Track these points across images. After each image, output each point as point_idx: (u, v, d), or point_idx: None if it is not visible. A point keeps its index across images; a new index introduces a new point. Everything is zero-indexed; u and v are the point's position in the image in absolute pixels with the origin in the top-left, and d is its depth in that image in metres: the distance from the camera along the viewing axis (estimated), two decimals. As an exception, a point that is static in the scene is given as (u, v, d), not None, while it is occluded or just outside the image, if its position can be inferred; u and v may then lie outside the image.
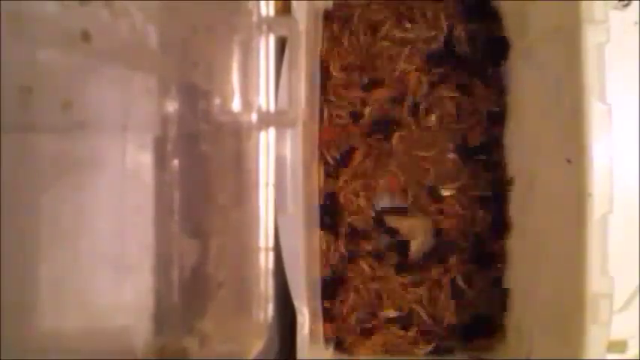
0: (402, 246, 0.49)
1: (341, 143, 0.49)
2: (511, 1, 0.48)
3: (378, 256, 0.49)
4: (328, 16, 0.49)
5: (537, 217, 0.44)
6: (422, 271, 0.48)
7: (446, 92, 0.49)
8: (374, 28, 0.49)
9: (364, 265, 0.48)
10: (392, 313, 0.48)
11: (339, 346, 0.47)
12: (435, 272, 0.48)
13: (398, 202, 0.49)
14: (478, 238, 0.48)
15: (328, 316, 0.48)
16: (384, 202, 0.50)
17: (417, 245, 0.49)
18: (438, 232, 0.49)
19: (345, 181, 0.49)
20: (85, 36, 0.33)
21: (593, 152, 0.37)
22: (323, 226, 0.48)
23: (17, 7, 0.31)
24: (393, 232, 0.49)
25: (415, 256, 0.49)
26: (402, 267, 0.48)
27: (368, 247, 0.49)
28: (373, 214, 0.49)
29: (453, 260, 0.48)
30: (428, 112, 0.49)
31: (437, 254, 0.49)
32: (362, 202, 0.49)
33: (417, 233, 0.49)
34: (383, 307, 0.48)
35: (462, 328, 0.48)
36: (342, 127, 0.49)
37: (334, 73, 0.49)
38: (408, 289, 0.48)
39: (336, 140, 0.49)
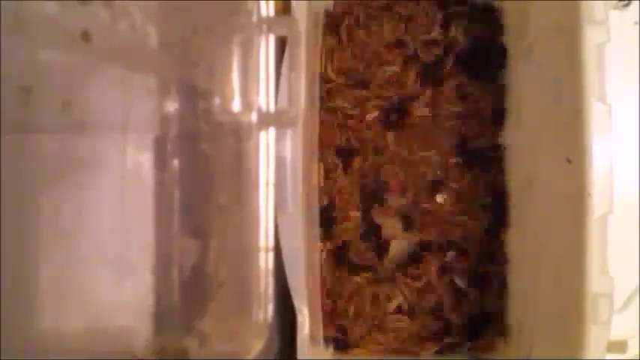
0: (381, 246, 0.48)
1: (341, 144, 0.49)
2: (511, 0, 0.48)
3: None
4: (328, 16, 0.49)
5: (537, 217, 0.44)
6: (396, 273, 0.48)
7: (446, 92, 0.49)
8: (374, 28, 0.49)
9: (358, 278, 0.48)
10: (392, 314, 0.48)
11: (339, 346, 0.47)
12: (411, 272, 0.48)
13: (397, 203, 0.49)
14: (478, 238, 0.48)
15: (328, 315, 0.48)
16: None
17: (397, 246, 0.48)
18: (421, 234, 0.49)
19: (343, 183, 0.49)
20: (85, 36, 0.33)
21: (593, 152, 0.37)
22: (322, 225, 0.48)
23: (17, 7, 0.31)
24: (376, 229, 0.49)
25: (393, 258, 0.48)
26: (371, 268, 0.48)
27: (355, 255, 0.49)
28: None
29: (451, 259, 0.48)
30: (427, 112, 0.49)
31: (418, 255, 0.48)
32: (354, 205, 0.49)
33: (398, 232, 0.48)
34: (382, 307, 0.48)
35: (462, 328, 0.48)
36: (341, 127, 0.49)
37: (334, 73, 0.49)
38: (406, 289, 0.48)
39: (335, 141, 0.49)
